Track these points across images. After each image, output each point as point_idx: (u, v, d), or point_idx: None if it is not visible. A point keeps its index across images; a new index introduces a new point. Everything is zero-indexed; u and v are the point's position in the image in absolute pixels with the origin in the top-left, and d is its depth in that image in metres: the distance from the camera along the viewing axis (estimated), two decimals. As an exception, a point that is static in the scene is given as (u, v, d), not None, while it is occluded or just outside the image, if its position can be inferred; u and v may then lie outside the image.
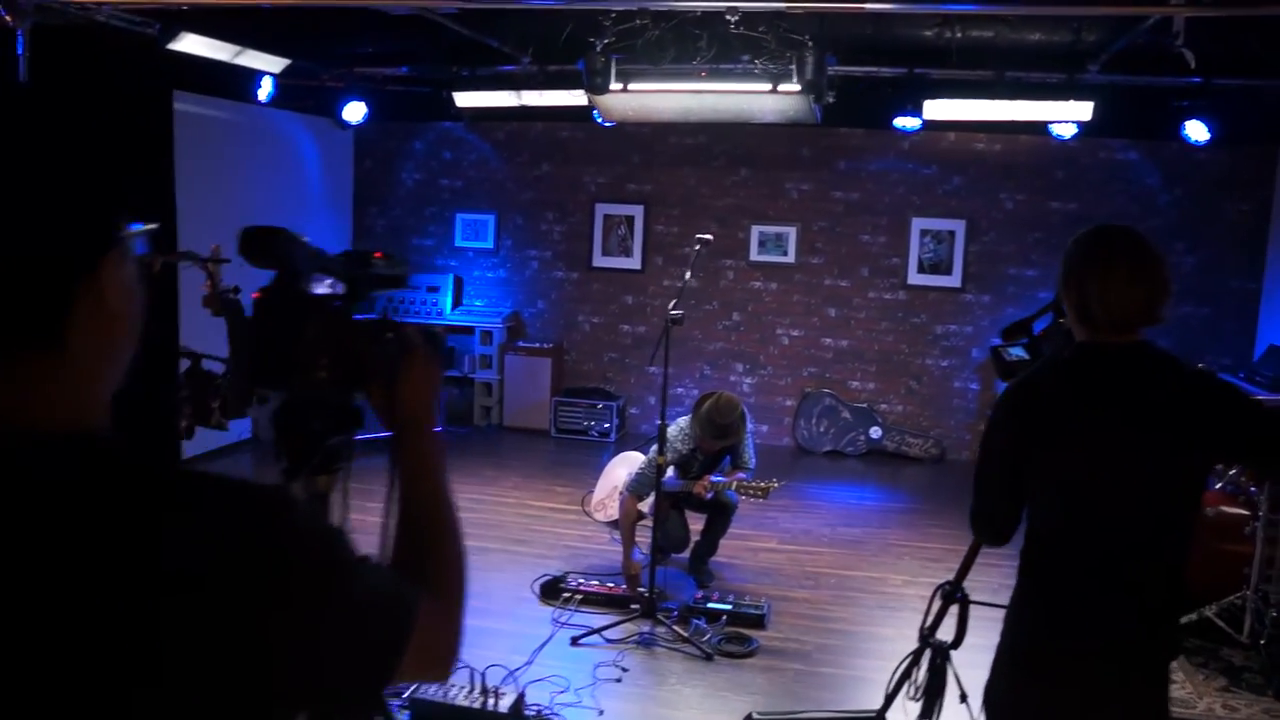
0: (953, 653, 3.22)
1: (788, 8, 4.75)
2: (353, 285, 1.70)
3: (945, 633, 3.24)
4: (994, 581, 4.63)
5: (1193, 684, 4.72)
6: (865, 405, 9.28)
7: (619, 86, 6.00)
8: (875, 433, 9.20)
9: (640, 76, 5.94)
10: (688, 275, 5.32)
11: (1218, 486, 5.51)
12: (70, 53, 6.48)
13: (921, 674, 3.22)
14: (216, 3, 6.12)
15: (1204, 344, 8.47)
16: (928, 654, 3.22)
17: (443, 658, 1.26)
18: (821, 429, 9.31)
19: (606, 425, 9.43)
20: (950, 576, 3.26)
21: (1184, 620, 5.11)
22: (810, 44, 4.92)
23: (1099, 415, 2.31)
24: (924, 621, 3.24)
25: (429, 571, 1.33)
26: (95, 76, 6.80)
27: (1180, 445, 2.31)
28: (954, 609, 3.18)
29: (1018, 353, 3.00)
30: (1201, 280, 8.56)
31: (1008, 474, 2.46)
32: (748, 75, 5.80)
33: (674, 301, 5.10)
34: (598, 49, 5.13)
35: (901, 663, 3.32)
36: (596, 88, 5.27)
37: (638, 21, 4.98)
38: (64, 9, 6.06)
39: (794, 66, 4.92)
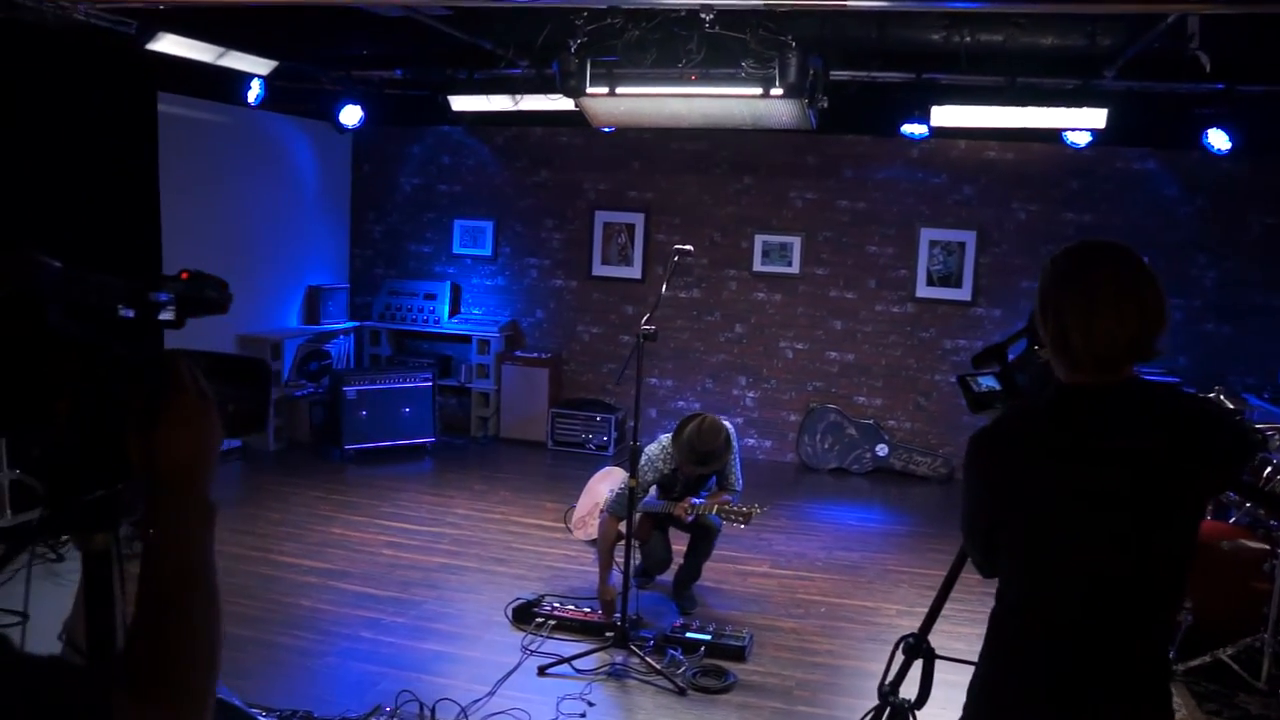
0: (918, 713, 2.92)
1: (766, 5, 4.48)
2: (144, 312, 1.45)
3: (910, 690, 2.95)
4: (965, 631, 4.29)
5: (1200, 732, 4.37)
6: (872, 421, 8.97)
7: (604, 90, 5.75)
8: (882, 450, 8.88)
9: (626, 80, 5.69)
10: (664, 288, 5.04)
11: (1233, 519, 5.18)
12: (46, 53, 6.32)
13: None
14: (195, 2, 5.93)
15: (1226, 364, 8.10)
16: (888, 714, 2.92)
17: None
18: (826, 445, 9.01)
19: (604, 438, 9.18)
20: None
21: (1196, 663, 4.78)
22: (793, 45, 4.64)
23: (1079, 475, 2.00)
24: (884, 677, 2.94)
25: (157, 667, 1.08)
26: (74, 77, 6.64)
27: (1175, 502, 2.00)
28: (919, 664, 2.88)
29: (988, 383, 2.70)
30: (1223, 296, 8.19)
31: (982, 532, 2.18)
32: (737, 80, 5.52)
33: (646, 316, 4.82)
34: (571, 50, 4.87)
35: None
36: (571, 90, 5.02)
37: (609, 21, 4.72)
38: (39, 6, 5.88)
39: (776, 69, 4.64)
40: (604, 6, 4.61)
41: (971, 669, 2.26)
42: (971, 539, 2.25)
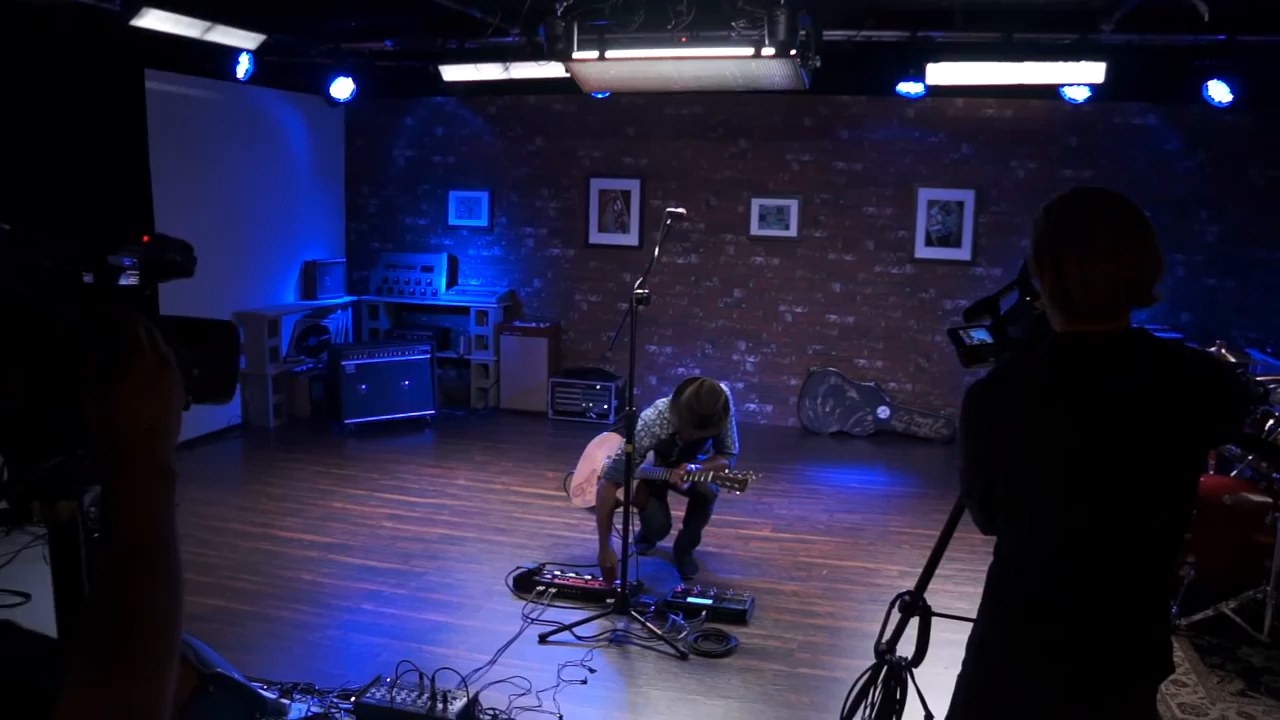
0: (915, 670, 2.91)
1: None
2: (104, 275, 1.42)
3: (906, 647, 2.93)
4: (965, 590, 4.26)
5: (1206, 687, 4.34)
6: (872, 384, 8.93)
7: (593, 55, 5.67)
8: (883, 412, 8.85)
9: (615, 44, 5.61)
10: (656, 251, 4.99)
11: (1235, 473, 5.14)
12: (30, 32, 6.26)
13: (878, 694, 2.91)
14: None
15: (1230, 317, 8.05)
16: (885, 673, 2.90)
17: None
18: (827, 409, 8.98)
19: (605, 406, 9.16)
20: (942, 567, 2.95)
21: (1199, 617, 4.76)
22: (782, 2, 4.56)
23: (1079, 425, 1.96)
24: (880, 635, 2.92)
25: (115, 633, 1.06)
26: (59, 57, 6.57)
27: (1177, 454, 1.96)
28: (915, 621, 2.86)
29: (980, 335, 2.67)
30: (1226, 250, 8.12)
31: (980, 487, 2.15)
32: (728, 41, 5.44)
33: (639, 280, 4.77)
34: (558, 13, 4.79)
35: (857, 681, 3.01)
36: (558, 54, 4.95)
37: (595, -20, 4.65)
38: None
39: (765, 27, 4.56)
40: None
41: (968, 626, 2.24)
42: (970, 495, 2.21)
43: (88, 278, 1.42)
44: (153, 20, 6.39)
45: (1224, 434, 2.09)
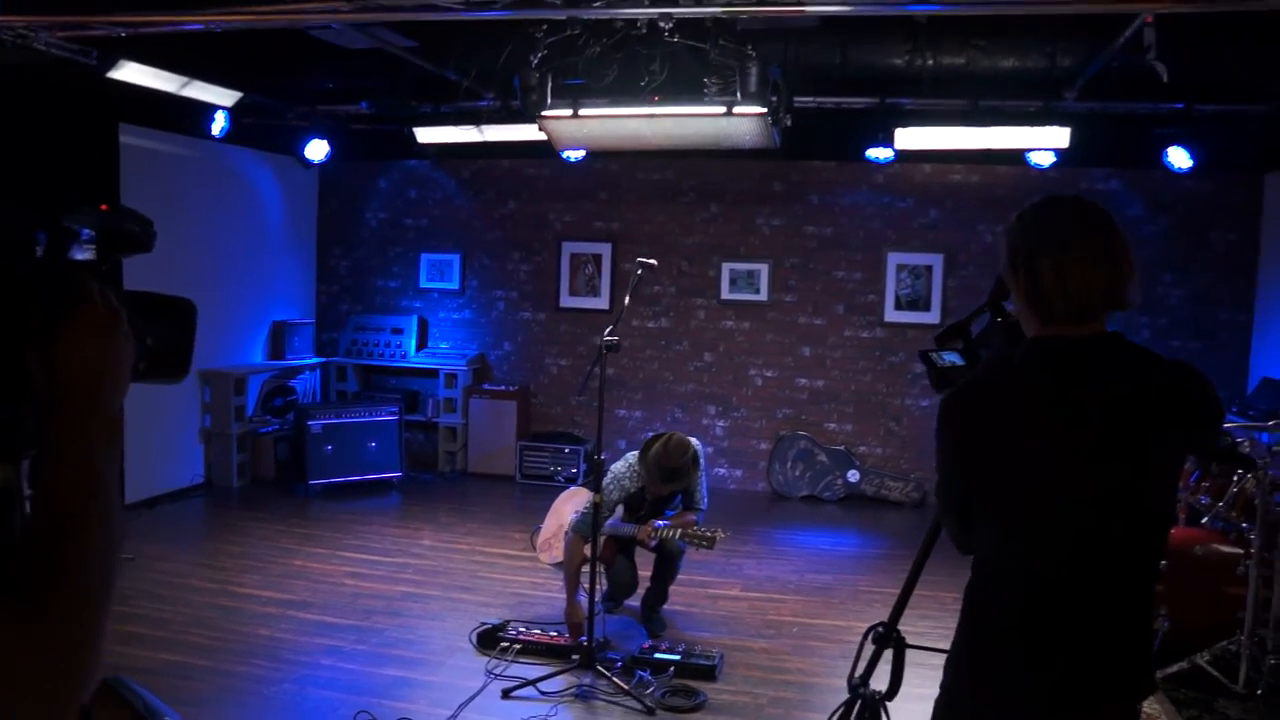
0: (889, 704, 2.82)
1: (725, 12, 4.47)
2: (57, 239, 1.37)
3: (880, 682, 2.85)
4: (937, 623, 4.16)
5: (1180, 740, 4.27)
6: (842, 448, 8.90)
7: (567, 112, 5.71)
8: (853, 476, 8.81)
9: (588, 102, 5.66)
10: (627, 300, 4.98)
11: (1205, 521, 5.12)
12: (4, 84, 6.25)
13: (851, 728, 2.81)
14: (156, 30, 5.86)
15: (1194, 381, 8.10)
16: (859, 707, 2.82)
17: (39, 688, 0.93)
18: (797, 473, 8.92)
19: (574, 470, 9.06)
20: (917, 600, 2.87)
21: (1174, 669, 4.70)
22: (753, 54, 4.63)
23: (1058, 428, 1.93)
24: (853, 668, 2.84)
25: (46, 578, 1.00)
26: (33, 109, 6.56)
27: (1155, 456, 1.93)
28: (889, 654, 2.79)
29: (952, 358, 2.64)
30: (1191, 312, 8.23)
31: (958, 499, 2.09)
32: (700, 99, 5.51)
33: (609, 328, 4.75)
34: (532, 64, 4.83)
35: (831, 716, 2.92)
36: (532, 105, 4.97)
37: (570, 32, 4.69)
38: (-2, 37, 5.81)
39: (737, 82, 4.61)
40: (563, 17, 4.58)
41: (943, 657, 2.17)
42: (947, 509, 2.15)
43: (42, 241, 1.38)
44: (130, 73, 6.40)
45: (1200, 440, 2.06)
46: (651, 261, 5.15)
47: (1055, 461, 1.94)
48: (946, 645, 2.19)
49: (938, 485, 2.18)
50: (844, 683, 4.53)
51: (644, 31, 5.05)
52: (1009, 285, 2.08)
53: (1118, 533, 1.93)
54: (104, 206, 1.46)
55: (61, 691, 0.96)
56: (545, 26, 4.72)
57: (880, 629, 2.81)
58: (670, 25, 4.53)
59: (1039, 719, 1.97)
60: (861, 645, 2.84)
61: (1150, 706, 4.42)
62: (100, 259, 1.44)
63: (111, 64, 6.27)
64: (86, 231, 1.44)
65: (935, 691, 2.18)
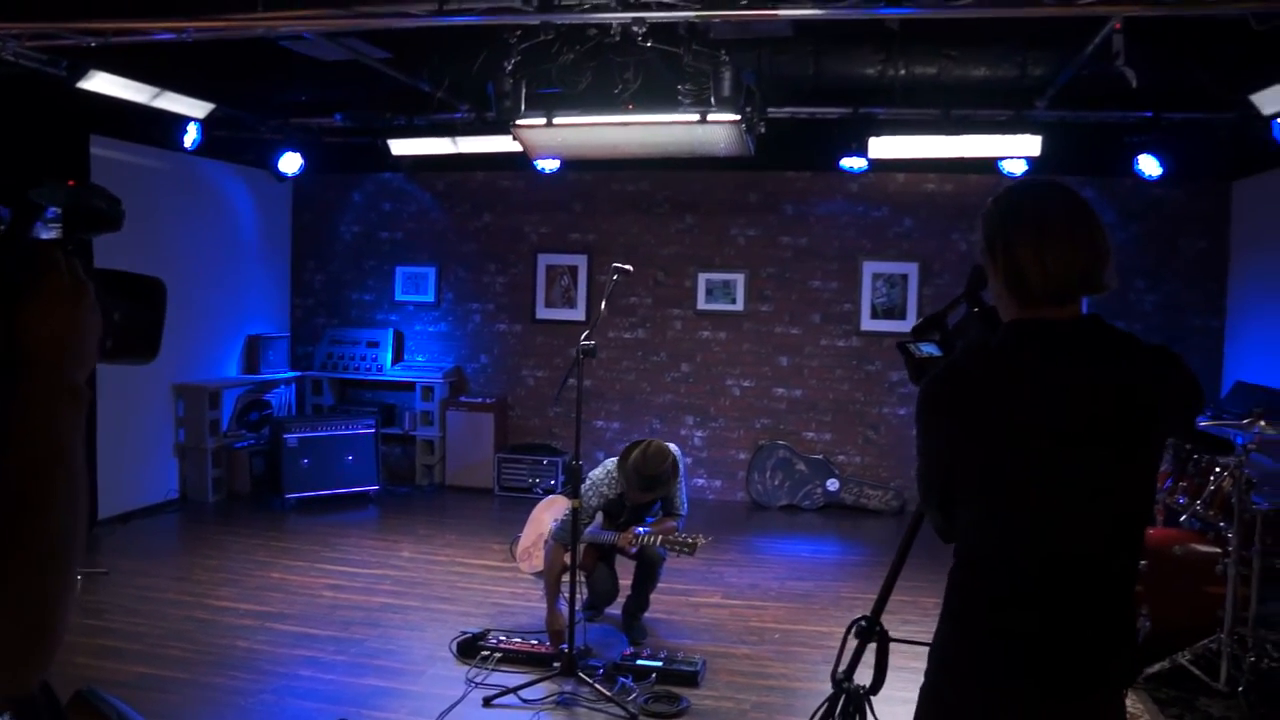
0: (873, 698, 2.82)
1: (698, 16, 4.49)
2: (21, 213, 1.35)
3: (864, 676, 2.84)
4: (919, 626, 4.14)
5: (1162, 738, 4.29)
6: (821, 457, 8.92)
7: (541, 121, 5.72)
8: (832, 485, 8.82)
9: (561, 110, 5.67)
10: (604, 305, 4.98)
11: (1183, 521, 5.15)
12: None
13: (835, 723, 2.80)
14: (127, 40, 5.82)
15: (1167, 386, 8.18)
16: (843, 702, 2.81)
17: (1, 653, 0.93)
18: (776, 482, 8.93)
19: (552, 481, 9.02)
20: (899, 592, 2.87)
21: (1156, 669, 4.72)
22: (726, 59, 4.65)
23: (1038, 409, 1.92)
24: (837, 663, 2.84)
25: (1, 544, 0.99)
26: (2, 118, 6.50)
27: (1135, 437, 1.92)
28: (872, 647, 2.78)
29: (930, 349, 2.65)
30: (1163, 319, 8.32)
31: (939, 485, 2.08)
32: (674, 107, 5.53)
33: (586, 333, 4.74)
34: (506, 70, 4.84)
35: (815, 712, 2.91)
36: (506, 112, 4.98)
37: (543, 38, 4.70)
38: (-36, 46, 5.75)
39: (710, 84, 4.63)
40: (536, 22, 4.58)
41: (926, 650, 2.16)
42: (929, 497, 2.14)
43: (5, 216, 1.36)
44: (100, 84, 6.35)
45: (1179, 423, 2.07)
46: (627, 267, 5.14)
47: (1037, 443, 1.93)
48: (928, 638, 2.18)
49: (919, 472, 2.16)
50: (827, 687, 4.54)
51: (617, 39, 5.07)
52: (987, 270, 2.08)
53: (1101, 514, 1.93)
54: (71, 182, 1.44)
55: (23, 657, 0.96)
56: (519, 32, 4.73)
57: (863, 623, 2.81)
58: (644, 30, 4.54)
59: (1024, 707, 1.96)
60: (844, 640, 2.84)
61: (1133, 706, 4.43)
62: (66, 237, 1.42)
63: (82, 74, 6.22)
64: (52, 210, 1.42)
65: (919, 681, 2.17)
